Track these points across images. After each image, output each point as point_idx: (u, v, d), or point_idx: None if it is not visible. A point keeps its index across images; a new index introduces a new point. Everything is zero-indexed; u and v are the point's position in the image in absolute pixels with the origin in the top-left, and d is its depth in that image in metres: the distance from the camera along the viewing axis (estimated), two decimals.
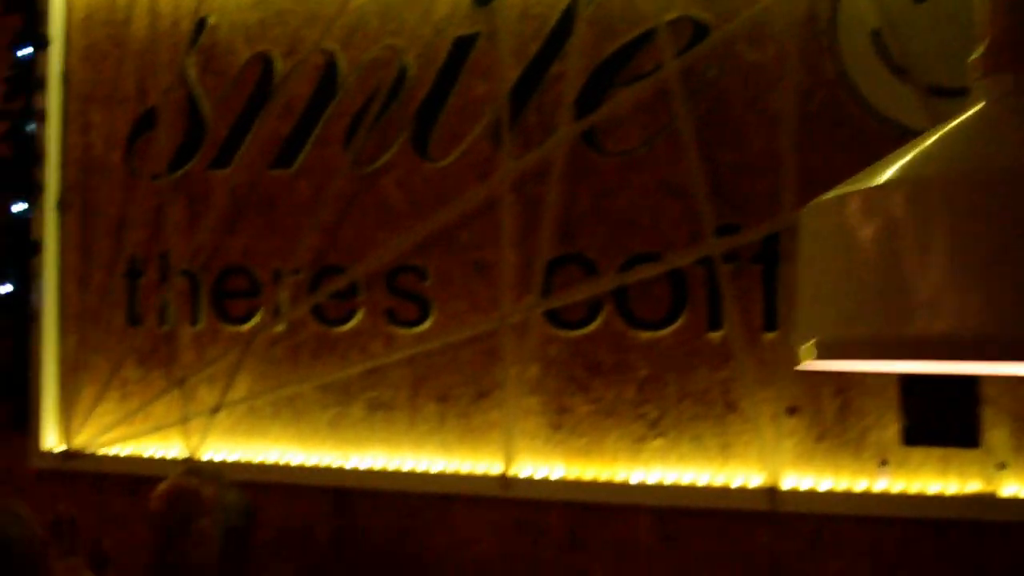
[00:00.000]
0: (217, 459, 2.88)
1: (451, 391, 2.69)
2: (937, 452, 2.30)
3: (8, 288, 3.16)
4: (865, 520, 2.34)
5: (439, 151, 2.71)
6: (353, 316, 2.78)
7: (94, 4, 3.14)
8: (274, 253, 2.86)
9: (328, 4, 2.82)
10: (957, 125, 0.86)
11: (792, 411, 2.39)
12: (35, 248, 3.13)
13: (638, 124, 2.54)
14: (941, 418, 2.29)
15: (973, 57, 0.91)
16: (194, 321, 2.96)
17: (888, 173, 0.81)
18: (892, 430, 2.33)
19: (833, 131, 2.39)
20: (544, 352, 2.61)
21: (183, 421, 2.95)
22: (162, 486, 2.10)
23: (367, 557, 2.73)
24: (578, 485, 2.56)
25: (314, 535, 2.79)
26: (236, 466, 2.84)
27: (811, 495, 2.37)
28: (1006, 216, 0.72)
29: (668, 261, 2.49)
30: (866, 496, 2.33)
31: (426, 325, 2.71)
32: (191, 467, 2.25)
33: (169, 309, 2.99)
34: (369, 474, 2.73)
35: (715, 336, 2.47)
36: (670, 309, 2.50)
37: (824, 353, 0.86)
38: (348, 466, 2.76)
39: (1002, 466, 2.25)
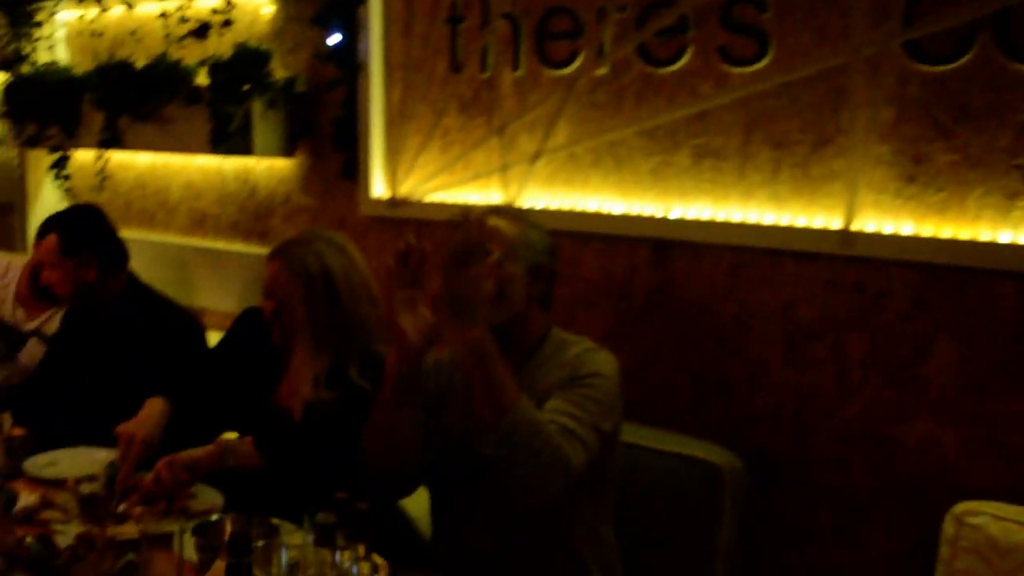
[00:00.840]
0: (538, 207, 2.84)
1: (788, 137, 2.44)
2: None
3: (338, 38, 3.20)
4: None
5: None
6: (682, 55, 2.57)
7: None
8: None
9: None
10: None
11: None
12: None
13: None
14: None
15: None
16: (515, 66, 2.87)
17: None
18: None
19: None
20: (901, 92, 2.28)
21: (502, 169, 2.91)
22: (463, 222, 2.05)
23: (686, 313, 2.62)
24: (931, 245, 2.27)
25: (632, 288, 2.71)
26: (554, 214, 2.78)
27: None
28: None
29: None
30: None
31: (763, 63, 2.45)
32: (494, 207, 2.18)
33: (490, 54, 2.91)
34: (693, 225, 2.58)
35: None
36: None
37: None
38: (671, 216, 2.61)
39: None
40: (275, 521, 1.91)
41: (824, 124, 2.38)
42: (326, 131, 3.34)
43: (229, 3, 3.38)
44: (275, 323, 2.36)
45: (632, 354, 2.67)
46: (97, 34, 3.92)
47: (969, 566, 2.07)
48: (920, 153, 2.28)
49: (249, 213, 3.66)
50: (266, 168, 3.57)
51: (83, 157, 4.02)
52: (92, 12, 3.85)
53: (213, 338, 2.84)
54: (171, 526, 1.98)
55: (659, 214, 2.63)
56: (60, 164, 3.93)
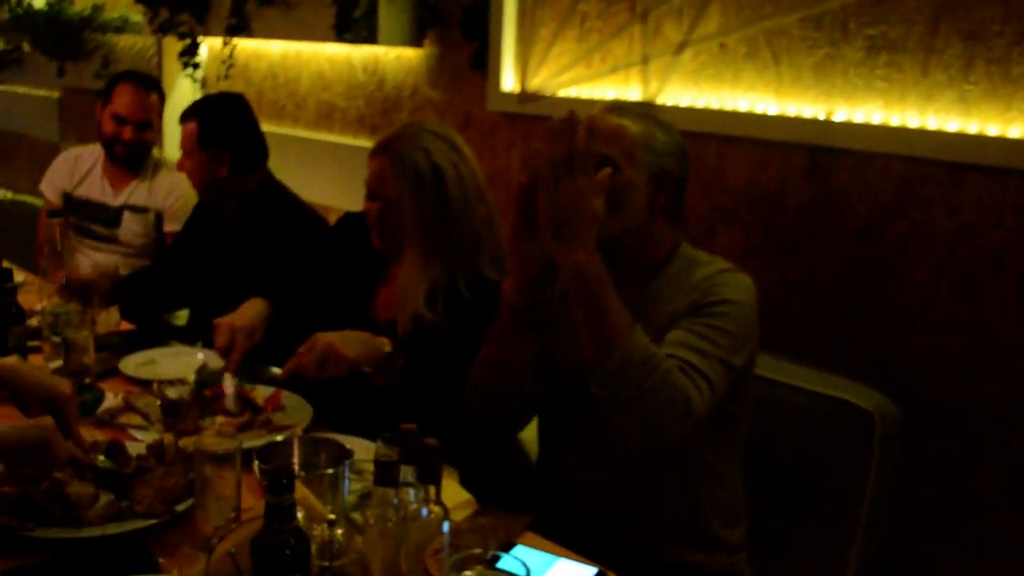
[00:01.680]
0: (682, 105, 2.51)
1: (984, 28, 2.01)
2: None
3: None
4: None
5: None
6: None
7: None
8: None
9: None
10: None
11: None
12: None
13: None
14: None
15: None
16: None
17: None
18: None
19: None
20: None
21: (644, 61, 2.59)
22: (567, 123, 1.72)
23: (843, 232, 2.26)
24: None
25: (782, 201, 2.36)
26: (698, 114, 2.46)
27: None
28: None
29: None
30: None
31: None
32: (613, 104, 1.86)
33: None
34: (860, 131, 2.20)
35: None
36: None
37: None
38: (834, 119, 2.24)
39: None
40: (356, 444, 1.73)
41: None
42: (455, 18, 3.08)
43: None
44: (378, 227, 2.16)
45: (776, 278, 2.34)
46: None
47: None
48: None
49: (376, 106, 3.46)
50: (394, 58, 3.36)
51: (215, 46, 3.90)
52: None
53: None
54: (252, 440, 1.84)
55: (820, 116, 2.26)
56: (190, 51, 3.82)
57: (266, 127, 3.83)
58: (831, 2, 2.21)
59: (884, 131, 2.16)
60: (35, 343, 2.32)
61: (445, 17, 3.14)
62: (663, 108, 2.51)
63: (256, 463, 1.57)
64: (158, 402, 1.96)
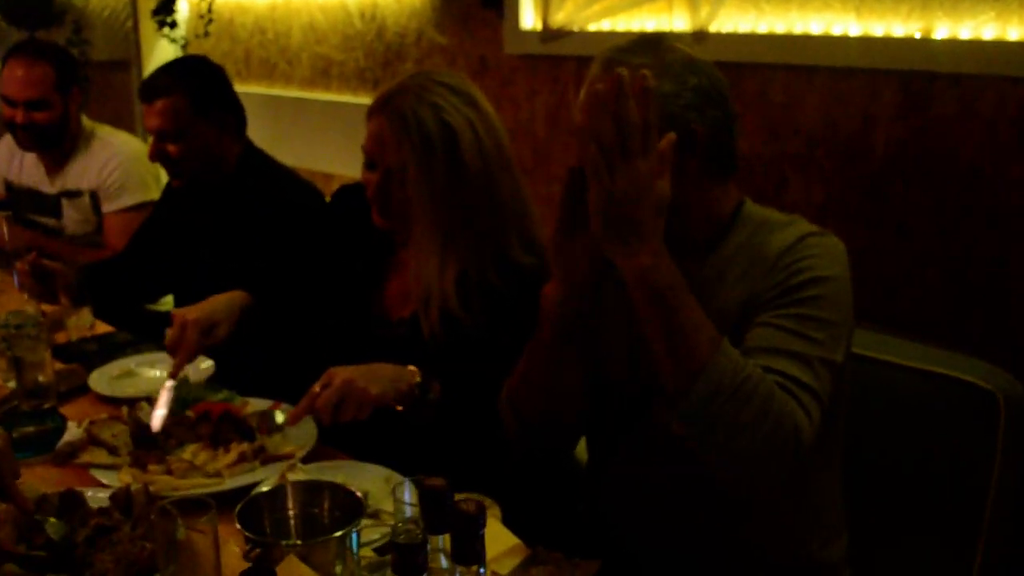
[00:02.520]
0: (740, 31, 2.11)
1: None
2: None
3: None
4: None
5: None
6: None
7: None
8: None
9: None
10: None
11: None
12: None
13: None
14: None
15: None
16: None
17: None
18: None
19: None
20: None
21: None
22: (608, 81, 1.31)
23: (947, 178, 1.88)
24: None
25: (870, 142, 1.97)
26: (760, 42, 2.07)
27: None
28: None
29: None
30: None
31: None
32: (634, 42, 1.42)
33: None
34: (965, 50, 1.80)
35: None
36: None
37: None
38: (934, 37, 1.84)
39: None
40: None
41: None
42: None
43: None
44: (379, 202, 1.77)
45: (866, 236, 1.96)
46: None
47: None
48: None
49: (377, 57, 3.07)
50: (394, 1, 2.95)
51: (194, 1, 3.50)
52: None
53: None
54: (235, 479, 1.49)
55: (916, 35, 1.86)
56: (165, 8, 3.41)
57: (256, 88, 3.46)
58: None
59: (997, 49, 1.76)
60: None
61: None
62: (717, 37, 2.10)
63: (238, 522, 1.20)
64: (128, 432, 1.61)
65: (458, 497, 1.00)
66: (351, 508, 1.23)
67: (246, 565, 1.09)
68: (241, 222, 2.33)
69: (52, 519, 1.31)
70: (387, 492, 1.31)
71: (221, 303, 1.85)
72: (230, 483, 1.48)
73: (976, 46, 1.78)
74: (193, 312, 1.80)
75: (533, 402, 1.46)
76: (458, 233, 1.73)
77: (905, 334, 1.84)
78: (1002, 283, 1.83)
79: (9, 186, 2.98)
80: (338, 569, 1.14)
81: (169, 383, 1.75)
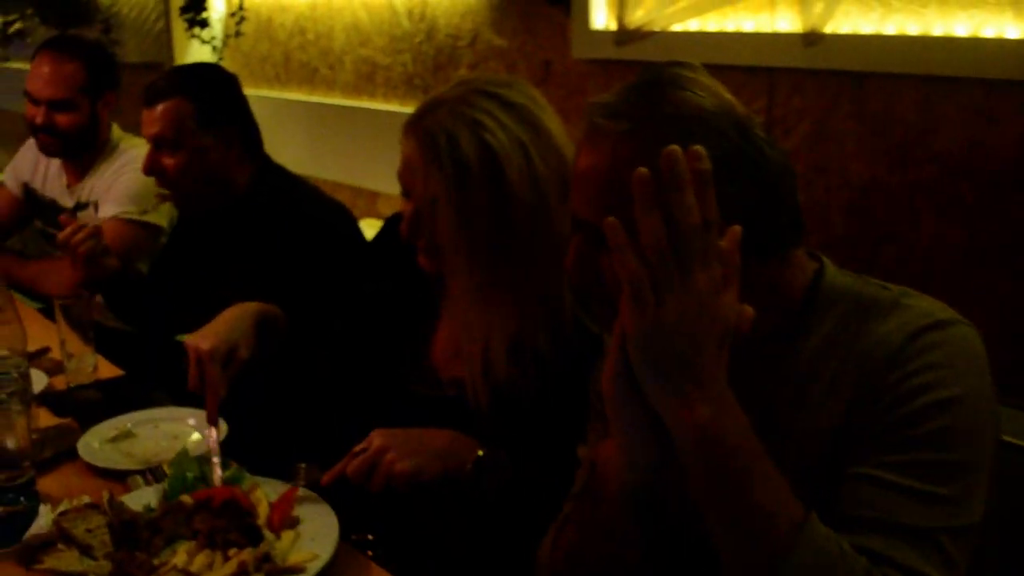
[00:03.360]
0: (863, 32, 1.75)
1: None
2: None
3: None
4: None
5: None
6: None
7: None
8: None
9: None
10: None
11: None
12: None
13: None
14: None
15: None
16: None
17: None
18: None
19: None
20: None
21: None
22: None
23: None
24: None
25: None
26: (889, 45, 1.71)
27: None
28: None
29: None
30: None
31: None
32: (604, 101, 1.03)
33: None
34: None
35: None
36: None
37: None
38: None
39: None
40: None
41: None
42: None
43: None
44: (411, 239, 1.45)
45: (1013, 289, 1.58)
46: None
47: None
48: None
49: (427, 62, 2.75)
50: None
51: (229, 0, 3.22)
52: None
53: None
54: None
55: None
56: (194, 6, 3.11)
57: (295, 95, 3.17)
58: None
59: None
60: None
61: None
62: (833, 40, 1.75)
63: None
64: (107, 530, 1.30)
65: None
66: None
67: None
68: (256, 249, 2.02)
69: None
70: None
71: (232, 321, 1.58)
72: None
73: None
74: (206, 340, 1.53)
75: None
76: (503, 286, 1.39)
77: None
78: None
79: (32, 193, 2.69)
80: None
81: (213, 434, 1.49)
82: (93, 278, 2.02)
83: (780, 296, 1.03)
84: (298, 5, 3.21)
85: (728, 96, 0.99)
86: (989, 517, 0.98)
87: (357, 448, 1.33)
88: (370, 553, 1.40)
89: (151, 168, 2.03)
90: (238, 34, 3.09)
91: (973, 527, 0.95)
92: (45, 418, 1.78)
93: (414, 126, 1.39)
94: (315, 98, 3.13)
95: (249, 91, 2.09)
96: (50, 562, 1.26)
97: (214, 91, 2.06)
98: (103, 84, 2.50)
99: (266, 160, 2.13)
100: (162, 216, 2.47)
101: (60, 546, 1.30)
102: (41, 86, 2.44)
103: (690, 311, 0.84)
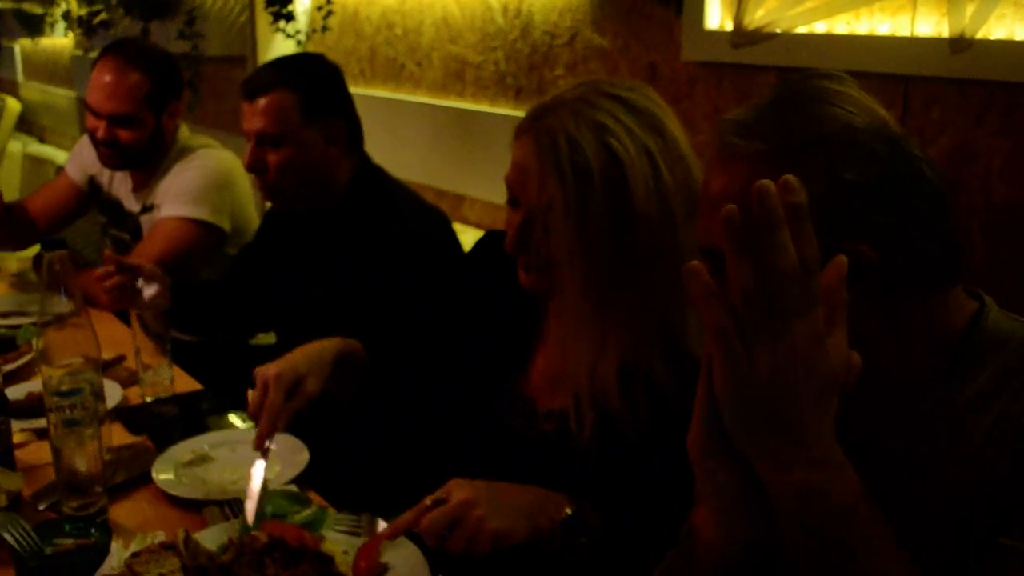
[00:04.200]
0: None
1: None
2: None
3: None
4: None
5: None
6: None
7: None
8: None
9: None
10: None
11: None
12: None
13: None
14: None
15: None
16: None
17: None
18: None
19: None
20: None
21: None
22: None
23: None
24: None
25: None
26: None
27: None
28: None
29: None
30: None
31: None
32: (736, 119, 0.88)
33: None
34: None
35: None
36: None
37: None
38: None
39: None
40: None
41: None
42: None
43: None
44: (519, 251, 1.32)
45: None
46: None
47: None
48: None
49: (521, 61, 2.60)
50: None
51: None
52: None
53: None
54: None
55: None
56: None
57: (380, 91, 3.06)
58: None
59: None
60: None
61: None
62: (985, 47, 1.56)
63: None
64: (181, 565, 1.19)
65: None
66: None
67: None
68: (351, 256, 1.92)
69: None
70: None
71: (309, 353, 1.47)
72: None
73: None
74: (275, 367, 1.43)
75: None
76: (618, 307, 1.26)
77: None
78: None
79: (98, 188, 2.60)
80: None
81: (259, 464, 1.39)
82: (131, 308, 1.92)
83: (935, 339, 0.89)
84: None
85: (882, 112, 0.87)
86: None
87: (429, 499, 1.19)
88: None
89: (253, 165, 1.94)
90: (324, 28, 2.98)
91: None
92: (118, 434, 1.69)
93: (531, 127, 1.27)
94: (400, 95, 3.01)
95: None
96: None
97: (319, 82, 1.96)
98: (168, 95, 2.37)
99: (365, 158, 2.03)
100: (224, 219, 2.37)
101: None
102: (103, 99, 2.30)
103: (784, 363, 0.72)
